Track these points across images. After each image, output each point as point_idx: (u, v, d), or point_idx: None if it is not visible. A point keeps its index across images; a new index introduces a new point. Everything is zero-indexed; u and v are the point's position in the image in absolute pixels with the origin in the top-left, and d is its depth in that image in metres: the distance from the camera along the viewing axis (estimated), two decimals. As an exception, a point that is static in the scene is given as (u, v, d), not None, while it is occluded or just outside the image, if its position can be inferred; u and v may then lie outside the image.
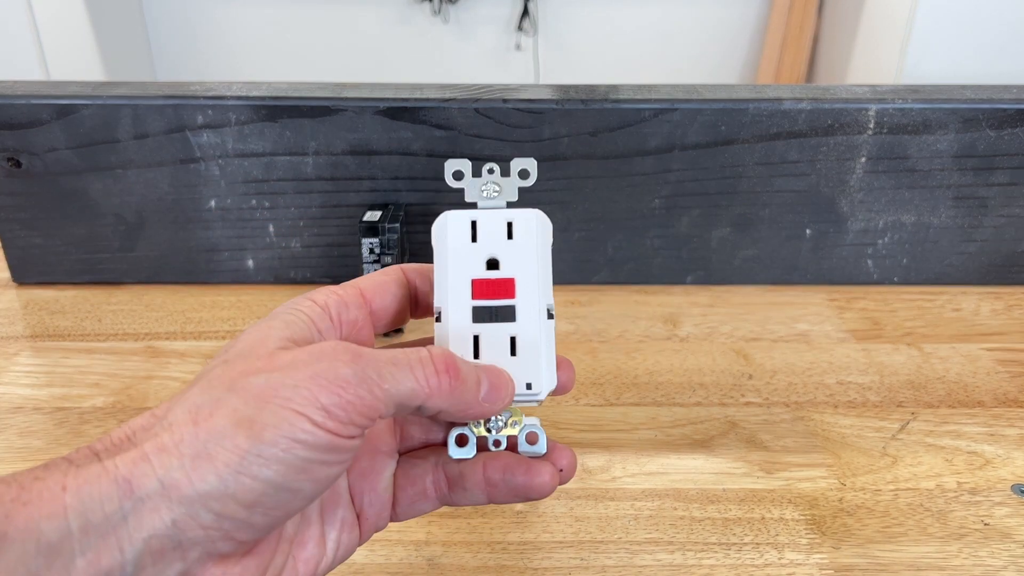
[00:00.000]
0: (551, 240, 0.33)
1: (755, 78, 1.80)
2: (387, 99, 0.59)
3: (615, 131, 0.59)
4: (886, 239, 0.64)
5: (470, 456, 0.31)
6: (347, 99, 0.59)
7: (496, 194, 0.33)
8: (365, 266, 0.57)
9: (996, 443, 0.50)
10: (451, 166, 0.33)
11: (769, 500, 0.45)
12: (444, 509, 0.38)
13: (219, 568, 0.25)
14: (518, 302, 0.31)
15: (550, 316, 0.31)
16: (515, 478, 0.31)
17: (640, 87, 0.61)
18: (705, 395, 0.54)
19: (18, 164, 0.61)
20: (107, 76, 1.62)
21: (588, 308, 0.63)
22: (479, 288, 0.31)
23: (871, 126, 0.59)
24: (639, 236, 0.64)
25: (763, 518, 0.44)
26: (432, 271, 0.33)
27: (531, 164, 0.33)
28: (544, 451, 0.32)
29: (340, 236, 0.64)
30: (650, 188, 0.62)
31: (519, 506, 0.45)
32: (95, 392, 0.54)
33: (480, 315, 0.31)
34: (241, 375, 0.25)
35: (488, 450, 0.32)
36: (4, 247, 0.64)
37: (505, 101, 0.58)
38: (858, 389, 0.54)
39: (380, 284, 0.32)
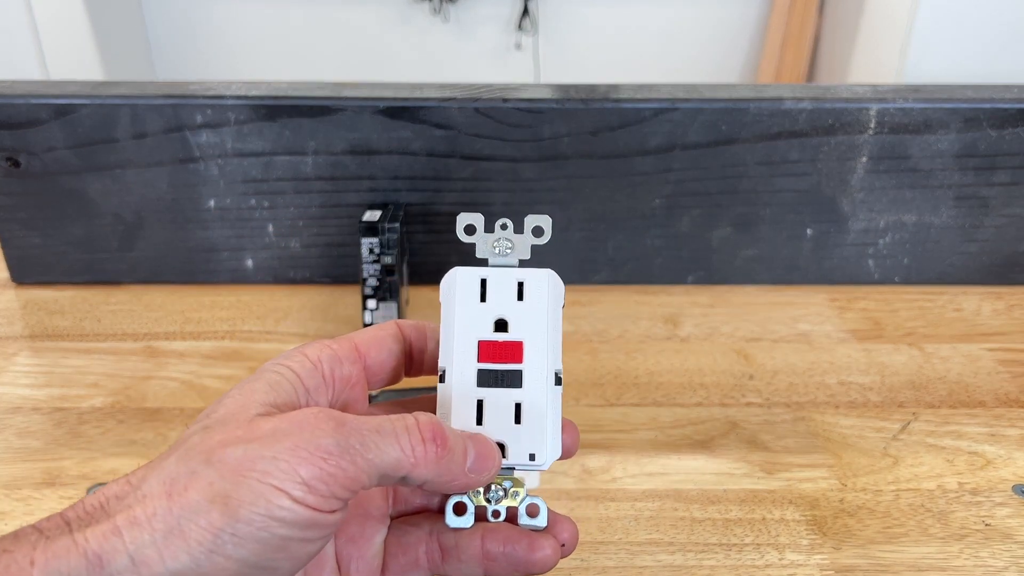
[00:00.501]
0: (563, 301, 0.32)
1: (755, 78, 1.80)
2: (386, 99, 0.58)
3: (615, 130, 0.59)
4: (887, 239, 0.64)
5: (468, 526, 0.30)
6: (346, 99, 0.59)
7: (508, 251, 0.32)
8: (365, 266, 0.57)
9: (997, 443, 0.49)
10: (463, 220, 0.32)
11: (770, 501, 0.45)
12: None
13: None
14: (526, 367, 0.30)
15: (558, 382, 0.31)
16: (516, 552, 0.29)
17: (641, 86, 0.61)
18: (706, 395, 0.54)
19: (17, 164, 0.60)
20: (106, 76, 1.62)
21: (588, 308, 0.63)
22: (486, 350, 0.30)
23: (872, 126, 0.59)
24: (639, 236, 0.64)
25: (764, 519, 0.44)
26: (428, 328, 0.32)
27: (545, 222, 0.32)
28: (545, 524, 0.31)
29: (340, 236, 0.64)
30: (651, 188, 0.62)
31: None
32: (94, 392, 0.54)
33: (485, 379, 0.30)
34: (219, 445, 0.24)
35: (487, 520, 0.31)
36: (3, 247, 0.64)
37: (505, 101, 0.58)
38: (859, 389, 0.54)
39: (376, 339, 0.31)
